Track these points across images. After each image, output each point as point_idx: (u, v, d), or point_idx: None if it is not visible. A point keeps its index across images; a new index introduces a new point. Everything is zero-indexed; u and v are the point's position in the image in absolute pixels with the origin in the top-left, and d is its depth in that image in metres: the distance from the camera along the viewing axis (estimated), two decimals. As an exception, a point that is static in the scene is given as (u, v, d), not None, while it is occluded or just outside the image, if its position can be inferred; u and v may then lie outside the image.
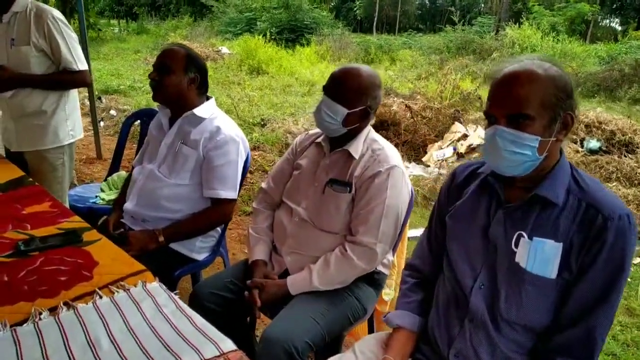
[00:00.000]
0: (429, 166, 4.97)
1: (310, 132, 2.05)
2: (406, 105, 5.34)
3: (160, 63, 2.05)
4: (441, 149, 5.13)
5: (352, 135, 1.79)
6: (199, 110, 2.10)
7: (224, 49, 13.66)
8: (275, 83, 9.96)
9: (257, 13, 20.72)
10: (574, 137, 4.63)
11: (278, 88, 9.52)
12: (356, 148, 1.78)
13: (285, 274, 1.82)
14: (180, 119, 2.12)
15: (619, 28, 30.03)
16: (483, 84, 8.37)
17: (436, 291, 1.40)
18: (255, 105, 8.01)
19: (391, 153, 1.79)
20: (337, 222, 1.78)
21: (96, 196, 2.89)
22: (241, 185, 2.22)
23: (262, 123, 7.01)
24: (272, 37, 15.28)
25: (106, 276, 1.44)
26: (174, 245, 2.09)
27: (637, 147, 4.33)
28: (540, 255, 1.15)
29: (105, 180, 3.07)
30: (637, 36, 19.05)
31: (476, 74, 6.78)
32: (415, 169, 4.75)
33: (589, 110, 5.01)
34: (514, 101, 1.12)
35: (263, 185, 2.07)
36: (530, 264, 1.16)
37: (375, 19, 29.99)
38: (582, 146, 4.56)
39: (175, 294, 1.40)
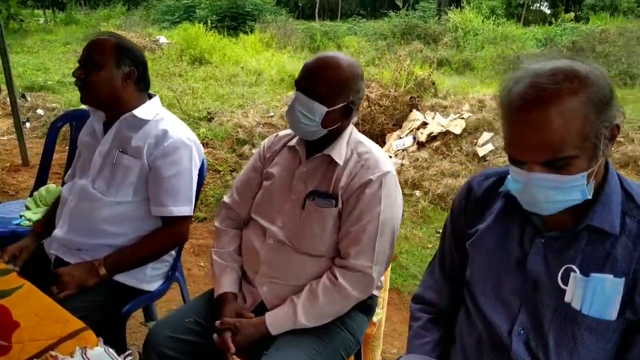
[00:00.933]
0: (390, 157, 4.77)
1: (280, 133, 1.75)
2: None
3: (87, 58, 1.68)
4: (400, 138, 4.95)
5: (332, 137, 1.52)
6: (139, 111, 1.74)
7: (162, 39, 12.89)
8: (219, 73, 9.46)
9: (196, 0, 19.82)
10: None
11: (223, 78, 9.05)
12: (339, 152, 1.51)
13: (260, 308, 1.52)
14: (117, 122, 1.76)
15: (548, 11, 31.51)
16: (437, 69, 8.30)
17: (458, 329, 1.15)
18: (200, 98, 7.54)
19: (381, 156, 1.52)
20: (322, 242, 1.49)
21: (20, 216, 2.45)
22: (197, 197, 1.89)
23: (209, 117, 6.59)
24: (213, 25, 14.62)
25: (31, 344, 1.09)
26: (119, 277, 1.74)
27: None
28: (599, 295, 0.92)
29: (31, 195, 2.63)
30: (569, 18, 19.88)
31: (430, 59, 6.63)
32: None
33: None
34: (545, 146, 0.86)
35: (226, 199, 1.75)
36: (587, 305, 0.93)
37: (317, 5, 29.63)
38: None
39: (129, 354, 1.08)
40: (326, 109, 1.43)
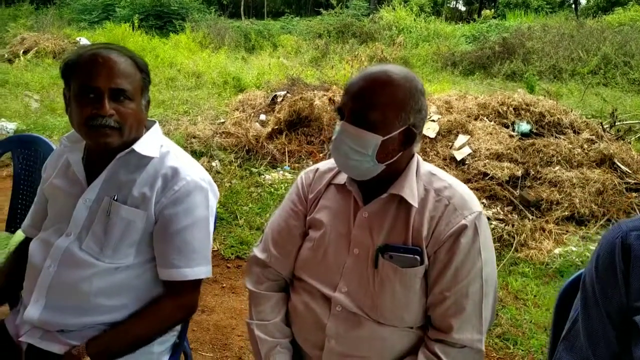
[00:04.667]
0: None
1: (321, 167, 1.40)
2: (330, 99, 4.79)
3: (116, 87, 1.24)
4: (371, 143, 4.70)
5: (394, 171, 1.21)
6: (141, 146, 1.33)
7: (84, 40, 11.79)
8: (155, 77, 8.73)
9: (114, -3, 18.53)
10: (505, 121, 4.51)
11: (161, 83, 8.36)
12: (410, 190, 1.19)
13: None
14: (112, 162, 1.32)
15: (463, 9, 33.03)
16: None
17: None
18: (139, 106, 6.86)
19: (465, 191, 1.22)
20: (409, 311, 1.18)
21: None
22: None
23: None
24: (134, 24, 13.64)
25: None
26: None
27: (566, 128, 4.33)
28: None
29: (-34, 245, 2.07)
30: (489, 15, 20.79)
31: (387, 60, 6.45)
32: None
33: (514, 93, 4.96)
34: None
35: (258, 253, 1.37)
36: None
37: (243, 3, 28.91)
38: (513, 130, 4.44)
39: None
40: (381, 139, 1.13)
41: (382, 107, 1.12)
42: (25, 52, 10.36)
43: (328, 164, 1.38)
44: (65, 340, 1.29)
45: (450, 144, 4.35)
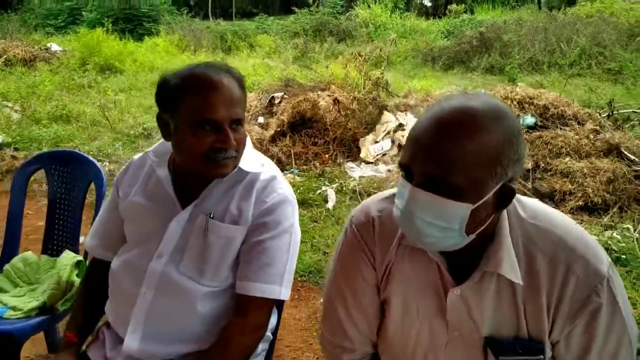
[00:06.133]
0: (370, 163, 4.47)
1: (375, 210, 1.08)
2: (335, 100, 4.73)
3: (234, 116, 1.17)
4: (377, 142, 4.67)
5: (482, 235, 0.91)
6: (246, 163, 1.26)
7: (54, 46, 11.39)
8: (137, 82, 8.49)
9: (80, 1, 17.94)
10: (510, 114, 4.54)
11: (145, 88, 8.13)
12: (510, 264, 0.91)
13: None
14: (216, 181, 1.24)
15: (429, 4, 33.49)
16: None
17: None
18: (127, 112, 6.65)
19: (583, 241, 0.93)
20: None
21: (-1, 305, 1.77)
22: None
23: (146, 133, 5.81)
24: (107, 28, 13.25)
25: None
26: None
27: (570, 119, 4.40)
28: None
29: (0, 271, 1.93)
30: (460, 10, 21.08)
31: (382, 58, 6.44)
32: (366, 170, 4.21)
33: (516, 87, 5.01)
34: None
35: (329, 336, 1.14)
36: None
37: (210, 4, 28.49)
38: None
39: None
40: (471, 207, 0.84)
41: (470, 165, 0.81)
42: (-6, 61, 9.91)
43: (381, 203, 1.08)
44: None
45: (458, 139, 4.35)
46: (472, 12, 19.98)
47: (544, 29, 12.11)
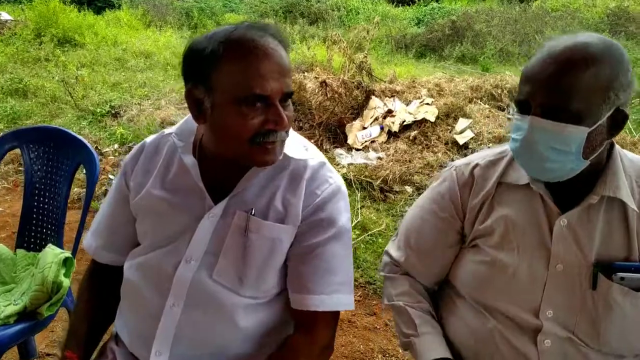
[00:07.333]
0: (359, 150, 4.29)
1: (478, 159, 1.17)
2: (323, 82, 4.49)
3: (287, 89, 0.96)
4: (365, 128, 4.49)
5: (594, 166, 1.00)
6: (290, 148, 1.05)
7: (5, 15, 10.48)
8: (100, 57, 7.93)
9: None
10: (500, 104, 4.47)
11: (109, 63, 7.61)
12: (626, 190, 1.00)
13: None
14: (253, 169, 1.03)
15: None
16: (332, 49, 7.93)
17: None
18: (91, 88, 6.19)
19: None
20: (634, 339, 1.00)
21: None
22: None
23: (114, 112, 5.40)
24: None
25: None
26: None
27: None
28: None
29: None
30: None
31: (367, 41, 6.23)
32: (357, 158, 4.01)
33: (506, 76, 4.93)
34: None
35: (393, 252, 1.27)
36: None
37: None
38: (509, 112, 4.42)
39: None
40: (587, 130, 0.93)
41: (586, 93, 0.91)
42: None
43: (486, 156, 1.16)
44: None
45: (449, 127, 4.24)
46: (437, 1, 20.07)
47: (515, 20, 12.23)
